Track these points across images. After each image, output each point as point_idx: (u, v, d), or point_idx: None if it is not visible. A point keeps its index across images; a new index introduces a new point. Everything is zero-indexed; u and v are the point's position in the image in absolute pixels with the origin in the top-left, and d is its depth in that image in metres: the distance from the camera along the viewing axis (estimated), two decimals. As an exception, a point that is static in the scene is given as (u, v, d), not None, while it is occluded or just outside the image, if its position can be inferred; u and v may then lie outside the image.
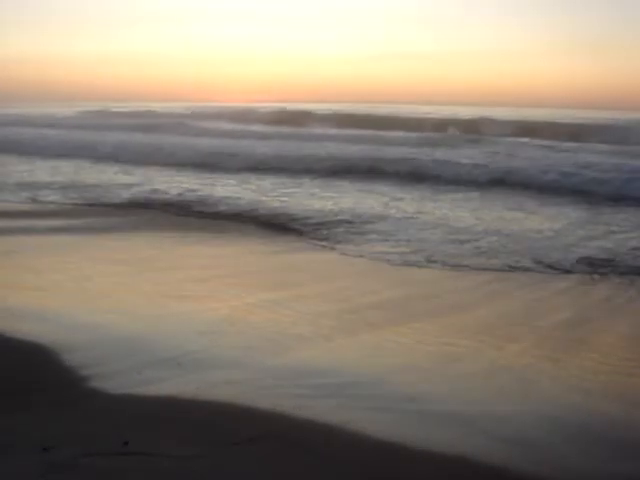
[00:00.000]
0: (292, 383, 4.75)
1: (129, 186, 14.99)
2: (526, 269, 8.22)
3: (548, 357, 5.46)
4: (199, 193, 14.07)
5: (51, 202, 13.05)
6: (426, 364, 5.27)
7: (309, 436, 3.93)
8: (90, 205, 12.79)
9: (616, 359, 5.45)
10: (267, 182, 16.12)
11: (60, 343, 5.33)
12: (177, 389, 4.54)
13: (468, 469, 3.68)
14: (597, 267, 8.26)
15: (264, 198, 13.47)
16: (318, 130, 32.08)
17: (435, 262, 8.50)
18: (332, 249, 9.34)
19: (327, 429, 4.04)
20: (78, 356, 5.10)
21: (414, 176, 16.74)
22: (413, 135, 27.41)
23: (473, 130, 31.15)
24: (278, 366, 5.06)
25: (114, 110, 49.78)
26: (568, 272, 8.08)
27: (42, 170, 18.01)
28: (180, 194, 13.93)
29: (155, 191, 14.30)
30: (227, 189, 14.86)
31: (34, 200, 13.19)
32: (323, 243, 9.69)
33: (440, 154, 20.13)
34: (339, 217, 11.42)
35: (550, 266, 8.32)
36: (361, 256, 8.87)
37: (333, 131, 31.08)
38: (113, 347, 5.38)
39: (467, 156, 19.66)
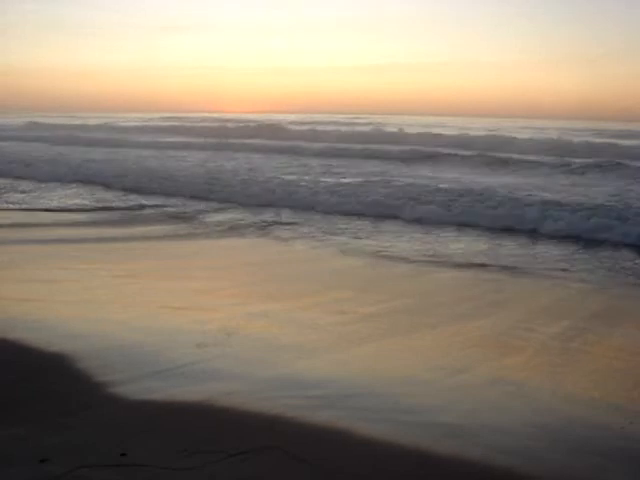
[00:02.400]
0: (292, 394, 4.73)
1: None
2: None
3: (548, 368, 5.45)
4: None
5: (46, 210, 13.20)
6: (425, 375, 5.24)
7: (309, 447, 3.91)
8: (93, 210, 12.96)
9: (617, 369, 5.46)
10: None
11: (63, 353, 5.31)
12: (177, 400, 4.53)
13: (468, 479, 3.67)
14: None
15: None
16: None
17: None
18: (324, 254, 9.50)
19: (327, 440, 4.02)
20: (80, 366, 5.09)
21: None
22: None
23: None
24: (278, 377, 5.05)
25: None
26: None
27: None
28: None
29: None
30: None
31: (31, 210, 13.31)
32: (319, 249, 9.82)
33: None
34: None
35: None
36: (364, 263, 9.04)
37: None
38: (114, 357, 5.35)
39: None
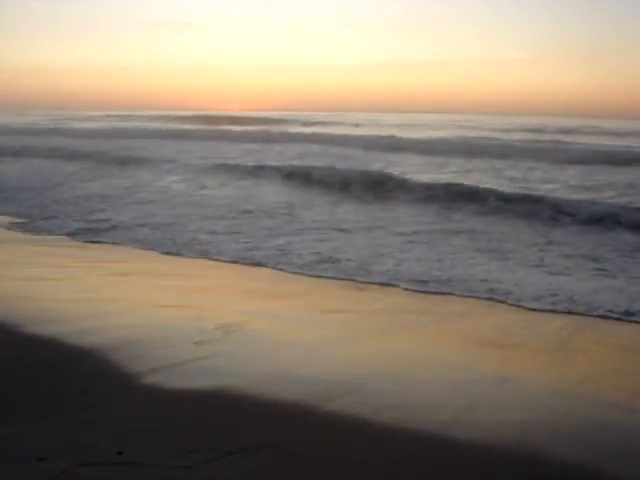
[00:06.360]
0: (292, 391, 4.67)
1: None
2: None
3: (547, 364, 5.39)
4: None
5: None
6: (424, 372, 5.19)
7: (310, 443, 3.87)
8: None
9: (615, 365, 5.43)
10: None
11: (58, 351, 5.26)
12: (176, 397, 4.49)
13: (469, 477, 3.63)
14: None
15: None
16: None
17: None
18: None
19: (328, 436, 3.99)
20: (76, 364, 5.02)
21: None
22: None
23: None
24: (278, 374, 5.00)
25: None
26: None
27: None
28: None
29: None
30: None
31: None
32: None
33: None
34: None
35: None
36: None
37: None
38: (112, 355, 5.24)
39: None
